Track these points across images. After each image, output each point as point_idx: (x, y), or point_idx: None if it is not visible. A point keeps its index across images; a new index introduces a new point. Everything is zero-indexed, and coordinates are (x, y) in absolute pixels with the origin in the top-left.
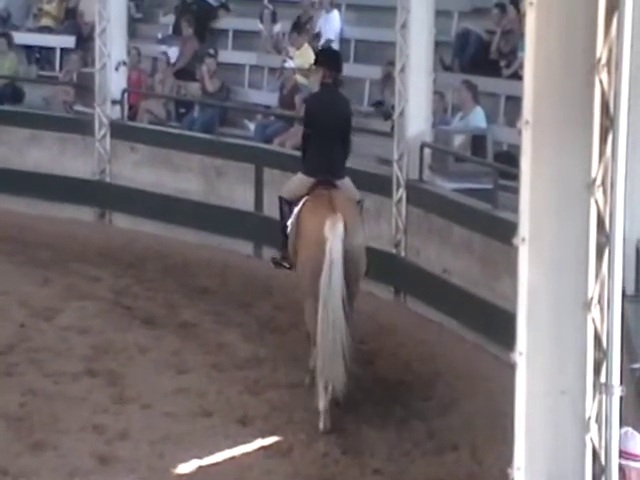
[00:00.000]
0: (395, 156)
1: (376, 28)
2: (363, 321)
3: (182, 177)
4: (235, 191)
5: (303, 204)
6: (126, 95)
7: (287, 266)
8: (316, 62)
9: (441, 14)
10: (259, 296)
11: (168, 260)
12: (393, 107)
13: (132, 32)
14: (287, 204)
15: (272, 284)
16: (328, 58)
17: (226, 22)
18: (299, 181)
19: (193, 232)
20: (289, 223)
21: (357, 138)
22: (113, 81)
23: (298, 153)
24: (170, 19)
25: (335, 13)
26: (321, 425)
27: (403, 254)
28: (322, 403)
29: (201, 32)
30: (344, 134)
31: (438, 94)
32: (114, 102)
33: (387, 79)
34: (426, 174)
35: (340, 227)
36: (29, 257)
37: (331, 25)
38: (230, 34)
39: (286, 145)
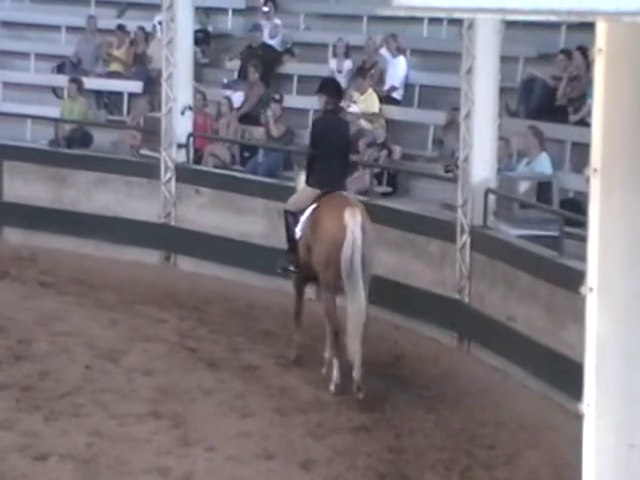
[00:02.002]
0: (459, 202)
1: (441, 73)
2: (426, 366)
3: (246, 220)
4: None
5: (318, 205)
6: (192, 139)
7: (294, 270)
8: (319, 90)
9: (506, 60)
10: (321, 339)
11: (232, 303)
12: (453, 154)
13: (198, 77)
14: (292, 215)
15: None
16: (330, 87)
17: (291, 67)
18: (305, 193)
19: (257, 275)
20: (298, 228)
21: (420, 183)
22: (179, 125)
23: (363, 197)
24: (235, 64)
25: (401, 59)
26: (355, 389)
27: (467, 300)
28: (356, 372)
29: (266, 77)
30: (345, 152)
31: (503, 140)
32: (180, 146)
33: (451, 124)
34: (490, 220)
35: (359, 215)
36: (96, 299)
37: (396, 70)
38: (295, 79)
39: (350, 189)
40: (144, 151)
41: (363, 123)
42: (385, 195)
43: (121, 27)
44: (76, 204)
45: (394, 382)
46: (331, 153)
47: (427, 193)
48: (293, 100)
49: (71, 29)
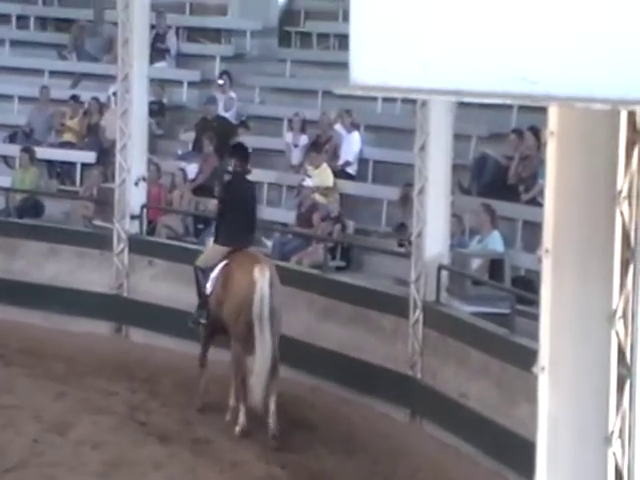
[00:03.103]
0: (413, 277)
1: (395, 149)
2: (378, 442)
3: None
4: None
5: (228, 261)
6: (145, 210)
7: (204, 322)
8: (230, 154)
9: (459, 137)
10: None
11: (183, 375)
12: (405, 229)
13: (152, 148)
14: (202, 272)
15: (287, 402)
16: (238, 151)
17: (245, 140)
18: (214, 250)
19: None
20: (209, 284)
21: (374, 258)
22: (132, 196)
23: (316, 271)
24: (190, 136)
25: (355, 134)
26: (271, 431)
27: (419, 376)
28: (272, 419)
29: (221, 149)
30: (252, 211)
31: (456, 217)
32: (133, 217)
33: (405, 200)
34: (443, 296)
35: (267, 272)
36: (44, 370)
37: (351, 145)
38: (249, 152)
39: (303, 263)
40: (97, 222)
41: (317, 197)
42: (339, 269)
43: (75, 97)
44: (26, 274)
45: (346, 458)
46: (239, 212)
47: (381, 268)
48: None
49: (24, 99)
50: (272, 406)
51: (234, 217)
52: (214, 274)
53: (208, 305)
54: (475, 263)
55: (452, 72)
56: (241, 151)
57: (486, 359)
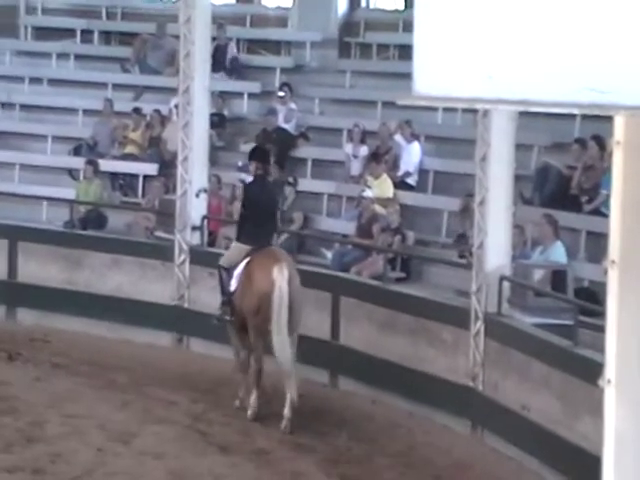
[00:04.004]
0: (474, 288)
1: (455, 160)
2: (439, 454)
3: None
4: (311, 319)
5: (250, 261)
6: (206, 222)
7: (229, 319)
8: (250, 157)
9: (521, 147)
10: (334, 426)
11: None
12: (465, 240)
13: (213, 160)
14: (225, 271)
15: (347, 414)
16: (260, 154)
17: (305, 151)
18: (237, 249)
19: (269, 358)
20: (233, 282)
21: (434, 269)
22: (193, 208)
23: (376, 282)
24: (250, 147)
25: (415, 144)
26: (283, 425)
27: (481, 388)
28: (287, 410)
29: (281, 160)
30: (273, 212)
31: (518, 227)
32: (194, 228)
33: (465, 211)
34: (505, 308)
35: (286, 272)
36: (108, 380)
37: (411, 156)
38: (309, 163)
39: (363, 274)
40: (158, 233)
41: (377, 208)
42: (399, 280)
43: (137, 110)
44: (90, 285)
45: (406, 471)
46: (260, 213)
47: (441, 279)
48: (307, 184)
49: (88, 112)
50: (288, 400)
51: (255, 217)
52: (237, 272)
53: (233, 302)
54: (537, 274)
55: (518, 82)
56: (261, 154)
57: (548, 371)
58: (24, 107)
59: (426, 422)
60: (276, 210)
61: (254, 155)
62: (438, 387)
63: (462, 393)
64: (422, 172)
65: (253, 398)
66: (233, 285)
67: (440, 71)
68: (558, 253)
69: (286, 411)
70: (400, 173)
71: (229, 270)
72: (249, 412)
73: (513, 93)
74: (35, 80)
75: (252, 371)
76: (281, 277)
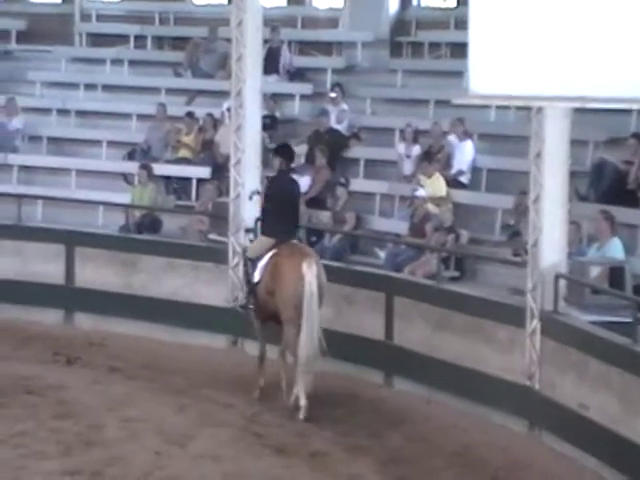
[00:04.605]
0: (529, 286)
1: (508, 157)
2: (496, 454)
3: None
4: (365, 319)
5: (276, 253)
6: (259, 224)
7: (252, 307)
8: (275, 154)
9: (576, 143)
10: (390, 426)
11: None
12: (521, 238)
13: (266, 162)
14: (251, 262)
15: (403, 415)
16: (283, 151)
17: (357, 151)
18: (261, 242)
19: (322, 359)
20: (257, 273)
21: (488, 267)
22: (247, 210)
23: (430, 282)
24: (303, 149)
25: (468, 143)
26: (302, 416)
27: (537, 387)
28: (303, 400)
29: (333, 161)
30: (295, 206)
31: (574, 224)
32: (248, 231)
33: (520, 208)
34: (561, 305)
35: (314, 267)
36: (164, 383)
37: (463, 154)
38: (361, 163)
39: (417, 274)
40: (212, 236)
41: (430, 207)
42: (453, 280)
43: (190, 114)
44: (146, 289)
45: (463, 471)
46: (283, 207)
47: (495, 277)
48: (360, 184)
49: (142, 117)
50: (307, 386)
51: (278, 211)
52: (262, 263)
53: (256, 292)
54: (594, 271)
55: (575, 79)
56: (286, 151)
57: (607, 369)
58: (79, 113)
59: (482, 422)
60: (298, 204)
61: (279, 152)
62: (494, 386)
63: (519, 392)
64: (475, 170)
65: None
66: (257, 276)
67: (496, 70)
68: (615, 249)
69: (302, 402)
70: (453, 171)
71: (254, 261)
72: (292, 398)
73: (571, 90)
74: (90, 86)
75: (291, 363)
76: (310, 272)
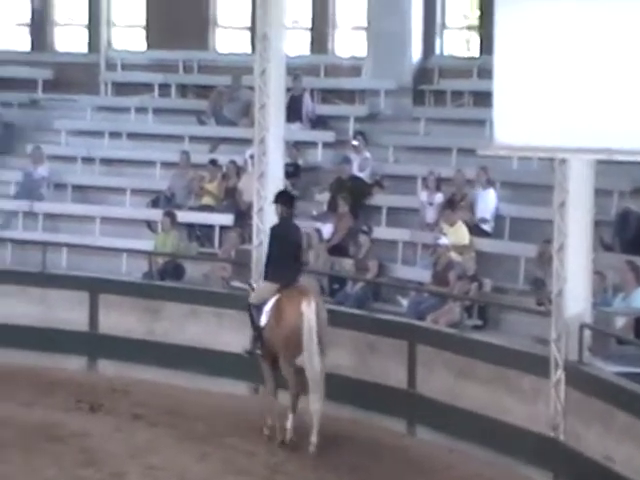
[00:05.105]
0: (553, 336)
1: (532, 206)
2: None
3: (334, 353)
4: (388, 368)
5: (279, 297)
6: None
7: (259, 353)
8: (275, 201)
9: (600, 193)
10: (412, 475)
11: (321, 435)
12: (545, 287)
13: None
14: (255, 308)
15: (425, 464)
16: (284, 198)
17: (380, 199)
18: (265, 288)
19: (345, 407)
20: (263, 317)
21: (512, 316)
22: None
23: (453, 330)
24: (325, 196)
25: (491, 191)
26: (311, 449)
27: (562, 438)
28: (314, 437)
29: (355, 209)
30: (297, 252)
31: (598, 274)
32: None
33: (543, 257)
34: (586, 356)
35: (313, 304)
36: (187, 430)
37: (486, 202)
38: (384, 210)
39: (440, 322)
40: (235, 283)
41: (453, 255)
42: (476, 328)
43: (213, 162)
44: (168, 335)
45: None
46: (286, 253)
47: (519, 327)
48: (382, 232)
49: (165, 164)
50: (316, 421)
51: (281, 257)
52: (267, 308)
53: (262, 337)
54: (619, 321)
55: (600, 131)
56: (286, 198)
57: (633, 421)
58: (104, 161)
59: (506, 472)
60: (301, 250)
61: (279, 199)
62: (518, 437)
63: (543, 443)
64: (498, 218)
65: (289, 422)
66: (263, 320)
67: (520, 121)
68: None
69: (313, 438)
70: (476, 220)
71: (259, 307)
72: (287, 436)
73: (596, 142)
74: (114, 134)
75: (291, 397)
76: (309, 310)
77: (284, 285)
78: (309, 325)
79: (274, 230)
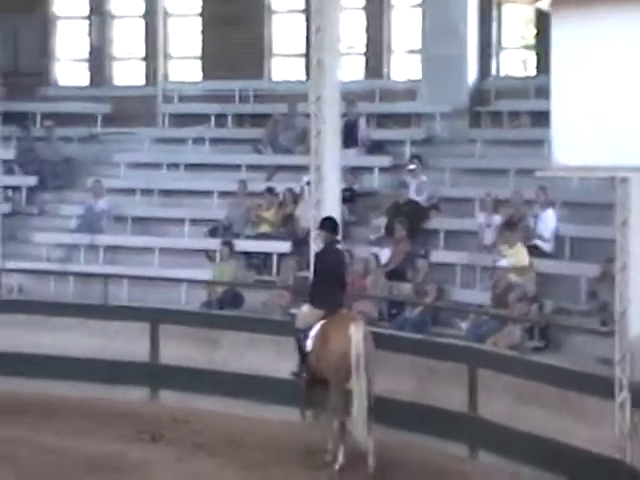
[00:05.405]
0: (617, 357)
1: (592, 225)
2: None
3: (394, 377)
4: (448, 392)
5: (326, 322)
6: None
7: (305, 376)
8: (320, 227)
9: None
10: None
11: (382, 462)
12: (607, 307)
13: (345, 234)
14: (302, 332)
15: None
16: (329, 225)
17: (437, 222)
18: (310, 313)
19: (405, 433)
20: (309, 342)
21: (574, 337)
22: None
23: (513, 353)
24: (382, 221)
25: (550, 211)
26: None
27: (629, 460)
28: (371, 460)
29: (413, 233)
30: (342, 277)
31: None
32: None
33: (605, 277)
34: None
35: (361, 329)
36: (248, 460)
37: (545, 223)
38: (441, 234)
39: (500, 345)
40: (294, 311)
41: (513, 277)
42: (537, 350)
43: (270, 190)
44: (228, 364)
45: None
46: (331, 279)
47: (581, 348)
48: (440, 255)
49: (223, 194)
50: (371, 445)
51: (327, 284)
52: (313, 333)
53: (308, 361)
54: None
55: None
56: (330, 224)
57: None
58: (162, 192)
59: None
60: (345, 275)
61: (323, 225)
62: (583, 460)
63: (609, 466)
64: (558, 239)
65: (341, 455)
66: (309, 345)
67: (579, 140)
68: None
69: (370, 461)
70: (536, 240)
71: (305, 331)
72: (336, 466)
73: None
74: (172, 166)
75: (337, 427)
76: (357, 334)
77: (329, 311)
78: (357, 349)
79: (318, 257)
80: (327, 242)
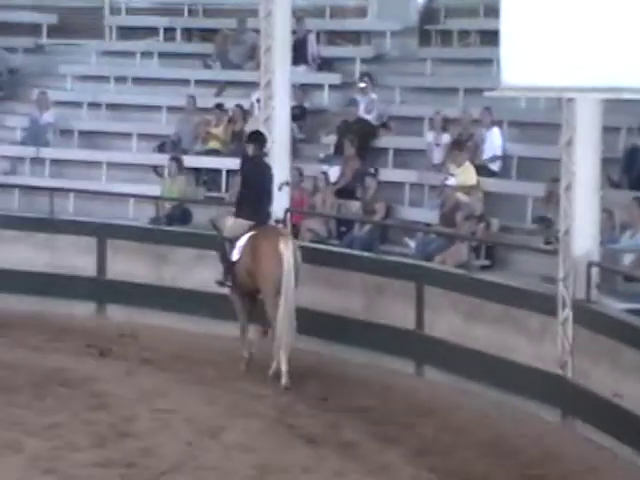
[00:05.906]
0: (561, 275)
1: (539, 145)
2: (528, 445)
3: (342, 295)
4: (396, 309)
5: (254, 234)
6: (289, 215)
7: (229, 285)
8: (247, 140)
9: (608, 130)
10: (421, 416)
11: (329, 378)
12: (552, 226)
13: (295, 152)
14: (229, 241)
15: (434, 404)
16: (256, 138)
17: (386, 141)
18: (239, 224)
19: (354, 350)
20: (235, 252)
21: (519, 256)
22: (276, 201)
23: (461, 271)
24: (332, 139)
25: (495, 130)
26: (284, 382)
27: (570, 375)
28: (284, 366)
29: (362, 151)
30: (269, 190)
31: (606, 212)
32: (277, 221)
33: (551, 196)
34: (594, 294)
35: (290, 245)
36: (196, 375)
37: (492, 142)
38: (391, 152)
39: (447, 263)
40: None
41: (460, 196)
42: (484, 268)
43: (219, 106)
44: (176, 280)
45: (495, 462)
46: (258, 191)
47: (526, 266)
48: (389, 174)
49: (172, 109)
50: (284, 359)
51: (254, 196)
52: (240, 243)
53: (234, 270)
54: (627, 259)
55: (609, 69)
56: (258, 137)
57: None
58: (109, 106)
59: (515, 411)
60: (271, 189)
61: (251, 138)
62: (526, 376)
63: (551, 381)
64: (505, 158)
65: (284, 367)
66: (235, 255)
67: (528, 61)
68: None
69: (283, 367)
70: (483, 160)
71: (232, 241)
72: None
73: (604, 80)
74: (120, 79)
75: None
76: (287, 251)
77: (258, 222)
78: (288, 267)
79: (246, 169)
80: (254, 155)
